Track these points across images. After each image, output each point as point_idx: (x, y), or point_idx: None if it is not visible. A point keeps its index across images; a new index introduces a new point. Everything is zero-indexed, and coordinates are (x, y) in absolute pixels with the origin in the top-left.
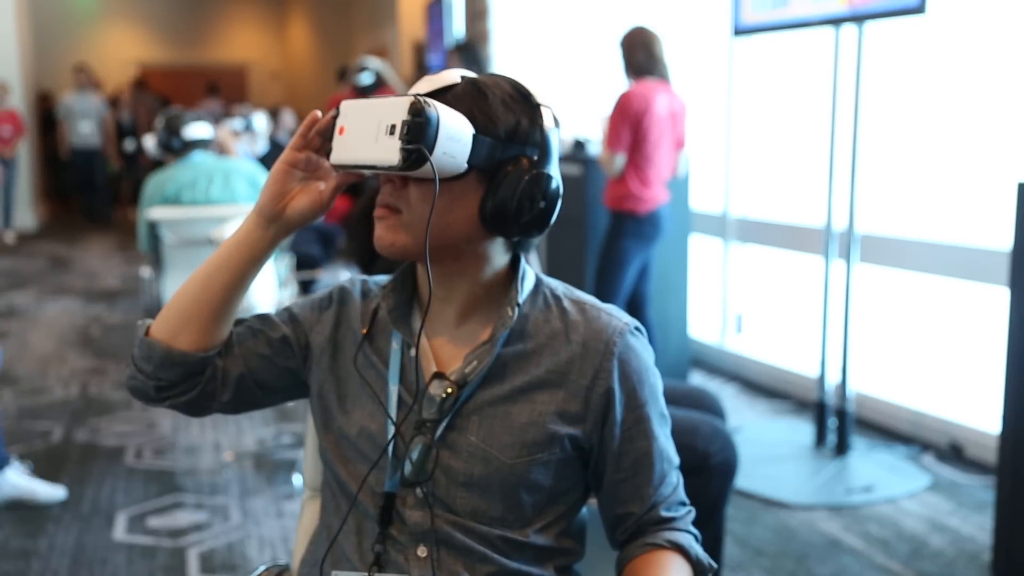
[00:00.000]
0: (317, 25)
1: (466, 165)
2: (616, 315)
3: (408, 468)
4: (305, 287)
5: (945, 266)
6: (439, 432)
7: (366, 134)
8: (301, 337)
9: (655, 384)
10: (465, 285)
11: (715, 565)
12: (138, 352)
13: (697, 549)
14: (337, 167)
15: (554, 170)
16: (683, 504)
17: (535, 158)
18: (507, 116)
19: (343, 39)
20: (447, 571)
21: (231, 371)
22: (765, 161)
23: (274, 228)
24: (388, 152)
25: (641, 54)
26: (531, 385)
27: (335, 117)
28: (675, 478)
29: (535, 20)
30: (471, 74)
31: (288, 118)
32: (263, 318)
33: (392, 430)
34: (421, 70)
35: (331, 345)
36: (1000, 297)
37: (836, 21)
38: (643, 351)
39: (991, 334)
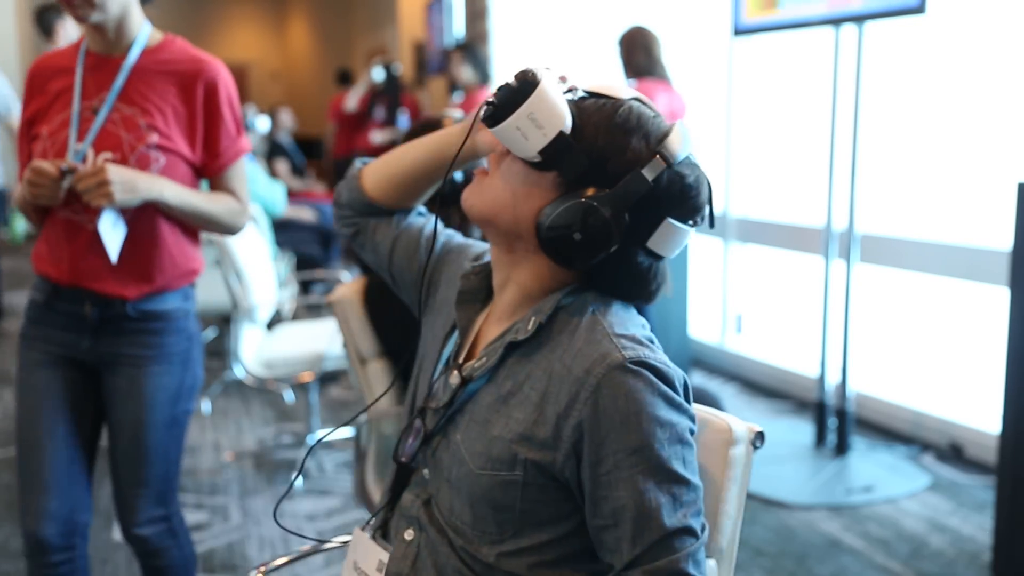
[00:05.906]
0: (317, 25)
1: (536, 155)
2: (623, 346)
3: (415, 446)
4: (305, 287)
5: (945, 266)
6: (440, 423)
7: None
8: (436, 273)
9: (650, 430)
10: (514, 285)
11: None
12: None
13: None
14: None
15: (617, 213)
16: None
17: (605, 191)
18: (606, 141)
19: (343, 39)
20: (423, 566)
21: (383, 240)
22: (765, 161)
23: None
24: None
25: (640, 55)
26: (513, 395)
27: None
28: (674, 547)
29: (535, 20)
30: (644, 99)
31: (286, 118)
32: (446, 233)
33: (417, 402)
34: (421, 70)
35: (436, 294)
36: (1000, 297)
37: (836, 21)
38: (636, 391)
39: (991, 334)
